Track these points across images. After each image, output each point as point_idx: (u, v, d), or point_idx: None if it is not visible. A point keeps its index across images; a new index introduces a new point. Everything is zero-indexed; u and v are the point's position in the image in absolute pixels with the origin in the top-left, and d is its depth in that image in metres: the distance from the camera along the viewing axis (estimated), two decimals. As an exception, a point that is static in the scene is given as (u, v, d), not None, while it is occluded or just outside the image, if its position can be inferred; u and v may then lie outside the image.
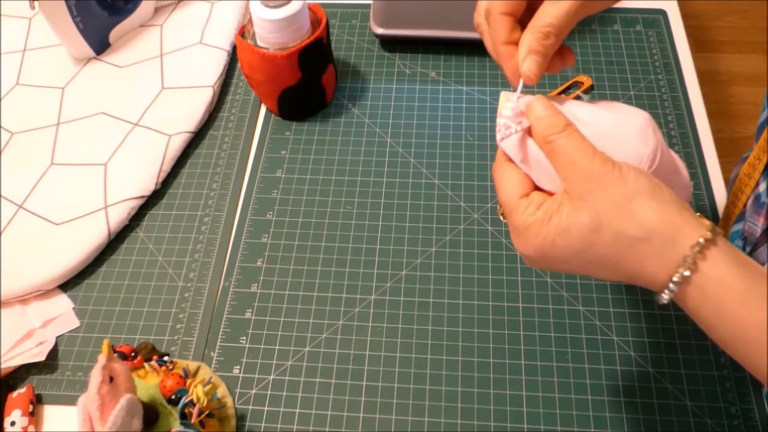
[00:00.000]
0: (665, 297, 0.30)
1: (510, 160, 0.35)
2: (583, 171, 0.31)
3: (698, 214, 0.32)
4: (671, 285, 0.29)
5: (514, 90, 0.36)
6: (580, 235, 0.31)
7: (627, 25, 0.67)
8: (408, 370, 0.49)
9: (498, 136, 0.36)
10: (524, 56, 0.34)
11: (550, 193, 0.33)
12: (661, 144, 0.34)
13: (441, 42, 0.67)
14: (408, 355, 0.49)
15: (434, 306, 0.52)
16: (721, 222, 0.51)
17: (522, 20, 0.36)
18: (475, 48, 0.67)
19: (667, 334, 0.49)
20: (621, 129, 0.34)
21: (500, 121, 0.36)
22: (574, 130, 0.33)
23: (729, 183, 0.54)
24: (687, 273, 0.29)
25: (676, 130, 0.60)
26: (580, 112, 0.35)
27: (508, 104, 0.36)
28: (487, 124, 0.62)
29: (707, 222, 0.31)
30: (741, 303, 0.28)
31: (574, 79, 0.64)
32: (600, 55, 0.65)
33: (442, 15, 0.64)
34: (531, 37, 0.34)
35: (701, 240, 0.29)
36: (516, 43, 0.35)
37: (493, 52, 0.37)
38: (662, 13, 0.68)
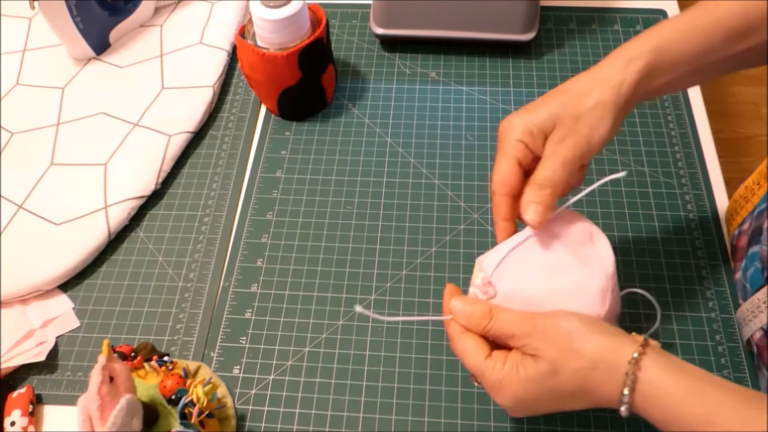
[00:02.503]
0: (623, 410, 0.33)
1: (466, 330, 0.38)
2: (524, 337, 0.35)
3: (633, 333, 0.36)
4: (623, 399, 0.33)
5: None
6: (543, 380, 0.35)
7: (627, 25, 0.67)
8: (408, 370, 0.49)
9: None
10: (525, 207, 0.38)
11: (506, 347, 0.37)
12: (614, 292, 0.39)
13: (441, 42, 0.67)
14: (408, 355, 0.49)
15: (434, 306, 0.52)
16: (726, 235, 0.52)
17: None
18: (475, 48, 0.67)
19: (667, 334, 0.49)
20: (583, 287, 0.38)
21: (471, 290, 0.40)
22: (496, 311, 0.37)
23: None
24: (628, 387, 0.33)
25: (676, 130, 0.60)
26: (550, 257, 0.39)
27: (480, 274, 0.40)
28: (487, 124, 0.62)
29: (639, 337, 0.35)
30: (681, 402, 0.32)
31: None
32: (600, 55, 0.65)
33: (442, 15, 0.64)
34: (529, 191, 0.39)
35: (635, 355, 0.33)
36: (514, 219, 0.41)
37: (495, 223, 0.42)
38: (662, 13, 0.68)
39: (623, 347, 0.34)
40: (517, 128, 0.40)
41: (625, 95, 0.39)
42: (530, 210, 0.38)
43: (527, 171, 0.40)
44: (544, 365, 0.35)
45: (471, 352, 0.38)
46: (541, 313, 0.36)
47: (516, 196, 0.40)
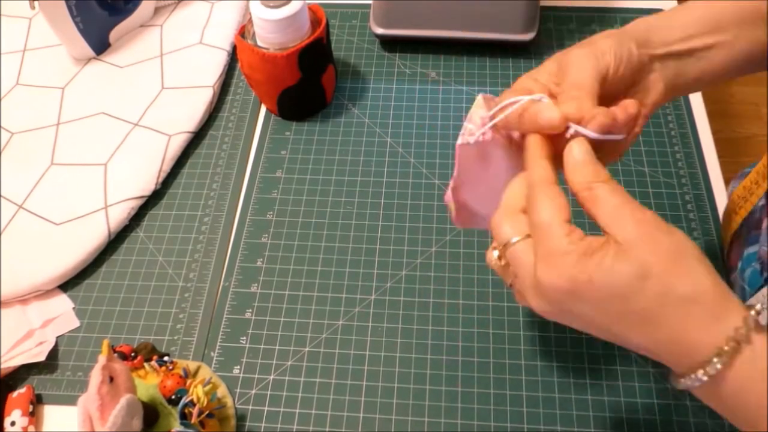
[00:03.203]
0: (692, 381, 0.27)
1: (552, 182, 0.32)
2: (633, 217, 0.29)
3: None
4: (715, 359, 0.27)
5: (493, 96, 0.35)
6: (624, 280, 0.28)
7: (627, 25, 0.67)
8: (408, 370, 0.49)
9: (459, 139, 0.35)
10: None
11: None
12: None
13: (441, 42, 0.67)
14: (408, 355, 0.49)
15: (434, 306, 0.52)
16: (723, 236, 0.51)
17: None
18: (475, 48, 0.67)
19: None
20: None
21: (467, 125, 0.35)
22: (616, 184, 0.30)
23: (728, 195, 0.54)
24: (737, 344, 0.26)
25: (676, 130, 0.60)
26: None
27: (480, 111, 0.35)
28: (487, 124, 0.62)
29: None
30: None
31: None
32: (600, 55, 0.65)
33: (442, 15, 0.64)
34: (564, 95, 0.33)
35: (753, 313, 0.27)
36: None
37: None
38: (662, 13, 0.68)
39: (735, 300, 0.28)
40: (539, 79, 0.35)
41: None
42: (569, 105, 0.32)
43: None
44: (633, 263, 0.28)
45: (552, 203, 0.30)
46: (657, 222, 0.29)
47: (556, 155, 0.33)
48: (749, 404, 0.27)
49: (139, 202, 0.58)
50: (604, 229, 0.29)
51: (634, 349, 0.30)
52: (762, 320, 0.27)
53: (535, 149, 0.33)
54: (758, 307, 0.27)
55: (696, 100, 0.62)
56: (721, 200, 0.56)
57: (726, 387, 0.27)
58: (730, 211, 0.51)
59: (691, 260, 0.28)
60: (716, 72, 0.38)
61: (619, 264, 0.28)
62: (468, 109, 0.64)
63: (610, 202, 0.30)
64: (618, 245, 0.28)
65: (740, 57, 0.37)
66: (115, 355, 0.43)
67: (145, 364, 0.46)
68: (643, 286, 0.27)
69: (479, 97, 0.35)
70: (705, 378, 0.27)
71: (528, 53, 0.66)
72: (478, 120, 0.35)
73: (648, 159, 0.59)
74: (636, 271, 0.27)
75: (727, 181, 0.57)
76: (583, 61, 0.34)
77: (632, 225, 0.28)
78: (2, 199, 0.58)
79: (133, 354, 0.46)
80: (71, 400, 0.49)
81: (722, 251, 0.53)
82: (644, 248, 0.28)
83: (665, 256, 0.28)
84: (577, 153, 0.32)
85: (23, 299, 0.53)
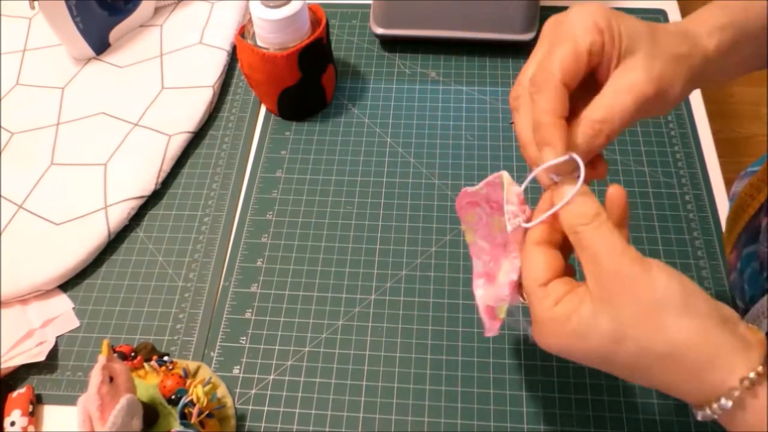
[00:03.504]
0: (700, 417, 0.27)
1: (539, 242, 0.32)
2: (607, 271, 0.28)
3: (749, 325, 0.28)
4: (708, 411, 0.27)
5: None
6: (599, 344, 0.28)
7: (627, 25, 0.67)
8: (408, 370, 0.49)
9: (509, 226, 0.34)
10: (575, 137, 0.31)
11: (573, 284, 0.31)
12: None
13: (441, 42, 0.67)
14: (408, 355, 0.49)
15: (434, 306, 0.52)
16: (724, 235, 0.51)
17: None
18: (475, 48, 0.67)
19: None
20: None
21: (508, 208, 0.33)
22: (603, 221, 0.29)
23: (730, 196, 0.54)
24: (729, 404, 0.26)
25: (676, 130, 0.60)
26: None
27: (514, 188, 0.33)
28: (487, 124, 0.62)
29: (756, 336, 0.27)
30: None
31: None
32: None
33: (442, 15, 0.64)
34: (580, 131, 0.30)
35: (752, 375, 0.26)
36: (564, 118, 0.31)
37: (528, 129, 0.32)
38: (662, 13, 0.68)
39: (731, 351, 0.26)
40: (594, 13, 0.30)
41: (709, 58, 0.32)
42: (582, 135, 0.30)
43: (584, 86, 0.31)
44: (606, 325, 0.27)
45: (529, 266, 0.31)
46: (647, 259, 0.28)
47: (570, 90, 0.31)
48: None
49: (139, 202, 0.58)
50: (586, 278, 0.29)
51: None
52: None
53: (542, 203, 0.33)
54: (759, 367, 0.26)
55: (696, 100, 0.62)
56: (721, 200, 0.56)
57: (748, 419, 0.27)
58: (737, 208, 0.50)
59: (669, 313, 0.27)
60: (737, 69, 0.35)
61: (593, 328, 0.28)
62: (467, 108, 0.64)
63: (588, 251, 0.29)
64: (593, 303, 0.28)
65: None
66: (115, 355, 0.43)
67: (145, 364, 0.46)
68: (618, 349, 0.27)
69: (505, 175, 0.34)
70: (716, 416, 0.27)
71: (528, 53, 0.66)
72: (515, 198, 0.33)
73: (648, 159, 0.59)
74: (610, 333, 0.27)
75: (727, 181, 0.57)
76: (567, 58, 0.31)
77: (605, 281, 0.28)
78: (2, 199, 0.58)
79: (132, 354, 0.46)
80: (71, 400, 0.49)
81: (722, 251, 0.53)
82: (616, 308, 0.27)
83: (637, 314, 0.27)
84: (566, 195, 0.31)
85: (23, 299, 0.53)
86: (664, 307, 0.27)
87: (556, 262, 0.31)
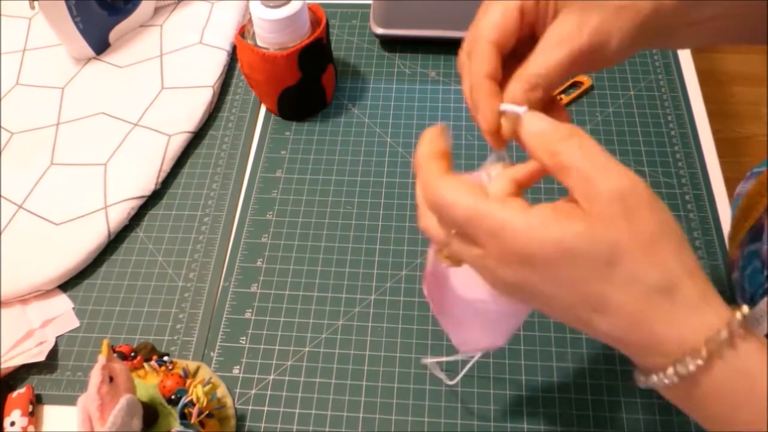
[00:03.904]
0: (668, 375, 0.25)
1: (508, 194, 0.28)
2: (606, 189, 0.25)
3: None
4: (688, 359, 0.24)
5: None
6: (588, 266, 0.25)
7: (627, 25, 0.67)
8: (408, 370, 0.49)
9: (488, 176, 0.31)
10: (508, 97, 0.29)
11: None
12: None
13: (441, 42, 0.67)
14: (408, 355, 0.49)
15: (434, 306, 0.52)
16: (730, 234, 0.51)
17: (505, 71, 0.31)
18: (475, 48, 0.67)
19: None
20: None
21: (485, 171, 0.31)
22: (583, 135, 0.26)
23: (734, 197, 0.54)
24: (718, 347, 0.24)
25: (676, 130, 0.60)
26: None
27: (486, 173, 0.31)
28: (487, 124, 0.62)
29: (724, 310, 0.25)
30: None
31: (573, 80, 0.64)
32: (600, 55, 0.65)
33: (442, 15, 0.64)
34: (517, 87, 0.29)
35: (739, 316, 0.24)
36: (498, 82, 0.30)
37: (469, 94, 0.31)
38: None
39: (717, 300, 0.25)
40: None
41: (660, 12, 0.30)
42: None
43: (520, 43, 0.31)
44: (601, 241, 0.24)
45: (462, 188, 0.27)
46: (630, 171, 0.26)
47: (504, 52, 0.30)
48: (723, 410, 0.25)
49: (139, 202, 0.58)
50: (578, 200, 0.26)
51: (601, 337, 0.27)
52: (747, 324, 0.25)
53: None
54: (745, 309, 0.25)
55: (696, 100, 0.62)
56: (721, 200, 0.56)
57: (698, 390, 0.25)
58: (746, 207, 0.48)
59: (671, 246, 0.25)
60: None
61: (587, 240, 0.25)
62: (467, 108, 0.64)
63: (575, 172, 0.26)
64: (587, 217, 0.25)
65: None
66: (115, 355, 0.43)
67: (145, 364, 0.46)
68: (610, 273, 0.25)
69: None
70: (675, 379, 0.25)
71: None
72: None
73: (648, 159, 0.59)
74: (605, 252, 0.24)
75: (727, 181, 0.57)
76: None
77: (607, 192, 0.25)
78: (2, 199, 0.58)
79: (132, 354, 0.46)
80: (71, 400, 0.49)
81: (723, 251, 0.53)
82: (617, 226, 0.25)
83: (640, 238, 0.25)
84: (531, 124, 0.28)
85: (23, 299, 0.53)
86: (663, 236, 0.25)
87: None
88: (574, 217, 0.25)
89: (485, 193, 0.27)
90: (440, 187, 0.27)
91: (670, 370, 0.25)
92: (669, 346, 0.25)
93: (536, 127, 0.28)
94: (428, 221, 0.30)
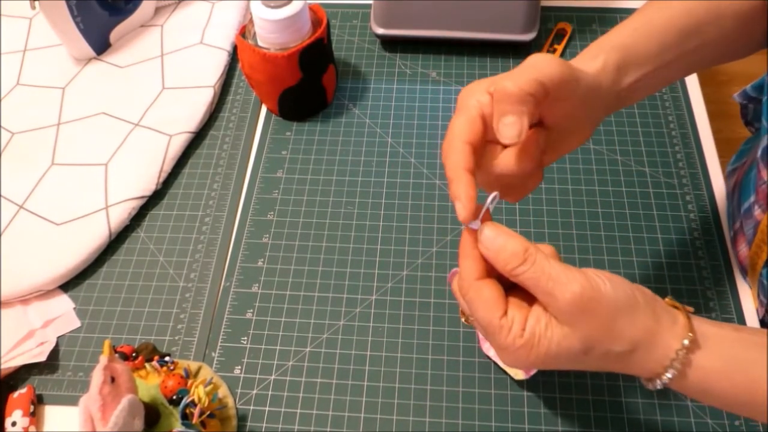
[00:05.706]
0: (653, 387, 0.33)
1: (480, 277, 0.33)
2: (563, 302, 0.31)
3: (668, 298, 0.34)
4: (661, 380, 0.32)
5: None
6: (570, 357, 0.32)
7: (627, 25, 0.67)
8: (409, 371, 0.49)
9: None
10: (498, 120, 0.33)
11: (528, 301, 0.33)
12: None
13: (441, 42, 0.67)
14: (409, 355, 0.49)
15: (435, 306, 0.52)
16: (748, 272, 0.51)
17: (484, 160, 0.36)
18: (475, 48, 0.67)
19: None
20: None
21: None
22: (533, 255, 0.32)
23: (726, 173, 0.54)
24: (672, 375, 0.32)
25: (677, 130, 0.60)
26: None
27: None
28: (488, 125, 0.62)
29: (678, 312, 0.33)
30: (724, 377, 0.32)
31: (559, 26, 0.66)
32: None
33: (442, 15, 0.64)
34: (501, 104, 0.33)
35: (685, 342, 0.32)
36: (473, 172, 0.34)
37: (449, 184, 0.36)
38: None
39: (665, 332, 0.32)
40: (482, 84, 0.35)
41: (602, 89, 0.37)
42: (507, 121, 0.32)
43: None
44: (576, 345, 0.31)
45: (484, 303, 0.33)
46: (585, 273, 0.32)
47: (477, 148, 0.35)
48: (714, 395, 0.33)
49: (140, 202, 0.58)
50: (545, 307, 0.32)
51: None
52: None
53: (464, 243, 0.34)
54: (685, 341, 0.32)
55: (696, 100, 0.62)
56: (722, 200, 0.56)
57: (686, 387, 0.33)
58: (759, 242, 0.49)
59: (622, 319, 0.31)
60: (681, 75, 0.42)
61: (564, 349, 0.31)
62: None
63: (538, 288, 0.32)
64: (560, 327, 0.31)
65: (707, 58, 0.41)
66: (117, 355, 0.43)
67: (146, 365, 0.46)
68: (586, 358, 0.32)
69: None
70: (660, 385, 0.33)
71: (528, 53, 0.66)
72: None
73: (648, 159, 0.59)
74: (580, 349, 0.31)
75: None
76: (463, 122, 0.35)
77: (566, 310, 0.31)
78: (3, 199, 0.58)
79: (134, 354, 0.46)
80: (72, 401, 0.49)
81: (723, 251, 0.53)
82: (582, 329, 0.31)
83: (599, 329, 0.31)
84: (488, 242, 0.33)
85: (24, 299, 0.53)
86: (617, 314, 0.31)
87: (498, 290, 0.33)
88: (550, 325, 0.32)
89: (501, 306, 0.33)
90: (469, 290, 0.33)
91: (657, 381, 0.33)
92: (646, 373, 0.33)
93: (493, 247, 0.33)
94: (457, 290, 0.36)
